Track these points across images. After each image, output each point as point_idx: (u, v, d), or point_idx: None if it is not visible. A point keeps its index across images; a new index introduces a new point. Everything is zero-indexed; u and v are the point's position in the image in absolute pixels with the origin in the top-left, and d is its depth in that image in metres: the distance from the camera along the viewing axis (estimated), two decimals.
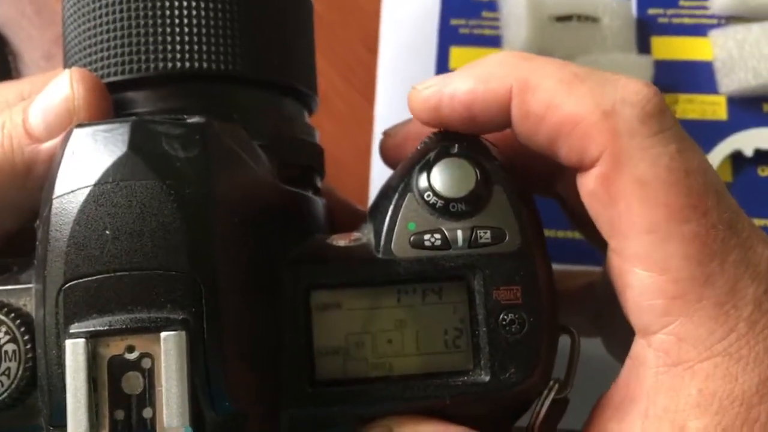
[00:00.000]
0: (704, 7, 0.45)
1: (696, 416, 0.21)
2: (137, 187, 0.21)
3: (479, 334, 0.23)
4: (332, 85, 0.47)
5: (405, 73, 0.46)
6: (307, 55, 0.29)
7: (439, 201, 0.24)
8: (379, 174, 0.44)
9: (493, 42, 0.46)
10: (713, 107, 0.43)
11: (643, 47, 0.44)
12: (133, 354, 0.20)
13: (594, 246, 0.31)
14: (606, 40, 0.43)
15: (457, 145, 0.24)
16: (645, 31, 0.44)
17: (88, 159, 0.21)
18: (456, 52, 0.46)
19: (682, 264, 0.22)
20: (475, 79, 0.24)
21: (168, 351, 0.20)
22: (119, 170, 0.21)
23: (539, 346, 0.24)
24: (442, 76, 0.25)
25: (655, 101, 0.23)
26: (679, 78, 0.43)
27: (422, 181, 0.24)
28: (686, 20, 0.45)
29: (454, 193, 0.24)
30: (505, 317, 0.23)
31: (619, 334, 0.30)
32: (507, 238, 0.24)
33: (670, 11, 0.45)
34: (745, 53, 0.42)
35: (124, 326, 0.20)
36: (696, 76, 0.43)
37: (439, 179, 0.24)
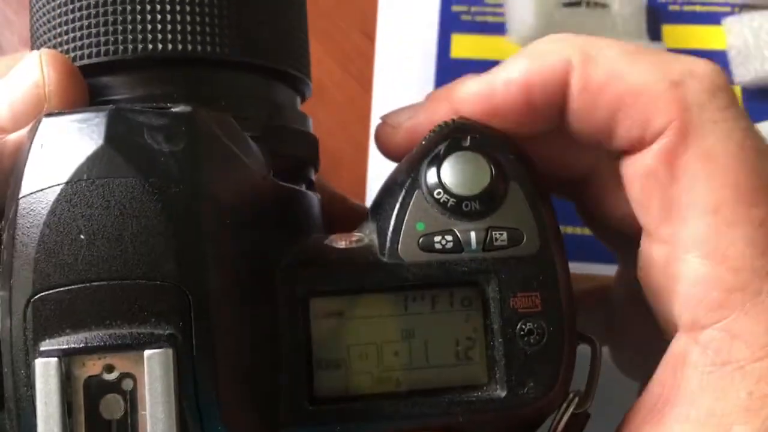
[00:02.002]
0: None
1: (744, 421, 0.20)
2: (115, 186, 0.19)
3: (494, 345, 0.21)
4: (329, 73, 0.45)
5: (404, 62, 0.44)
6: (300, 37, 0.26)
7: (451, 199, 0.22)
8: (378, 167, 0.42)
9: (497, 29, 0.44)
10: None
11: (654, 36, 0.42)
12: (112, 374, 0.18)
13: (611, 247, 0.29)
14: (616, 27, 0.41)
15: (469, 137, 0.22)
16: (656, 18, 0.43)
17: (60, 153, 0.19)
18: (457, 40, 0.44)
19: (744, 252, 0.20)
20: (529, 59, 0.23)
21: (152, 371, 0.18)
22: (95, 166, 0.19)
23: (560, 357, 0.22)
24: (488, 72, 0.23)
25: (723, 77, 0.22)
26: None
27: (431, 177, 0.22)
28: (698, 8, 0.43)
29: (467, 191, 0.22)
30: (523, 327, 0.21)
31: (630, 344, 0.28)
32: (525, 240, 0.22)
33: None
34: (761, 41, 0.40)
35: (101, 343, 0.18)
36: None
37: (450, 175, 0.22)
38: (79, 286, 0.18)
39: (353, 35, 0.45)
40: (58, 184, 0.19)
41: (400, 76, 0.44)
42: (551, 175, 0.25)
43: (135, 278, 0.18)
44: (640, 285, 0.23)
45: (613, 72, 0.22)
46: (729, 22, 0.42)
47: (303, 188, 0.25)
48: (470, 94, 0.23)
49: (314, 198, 0.26)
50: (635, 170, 0.22)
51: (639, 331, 0.24)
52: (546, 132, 0.24)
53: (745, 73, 0.40)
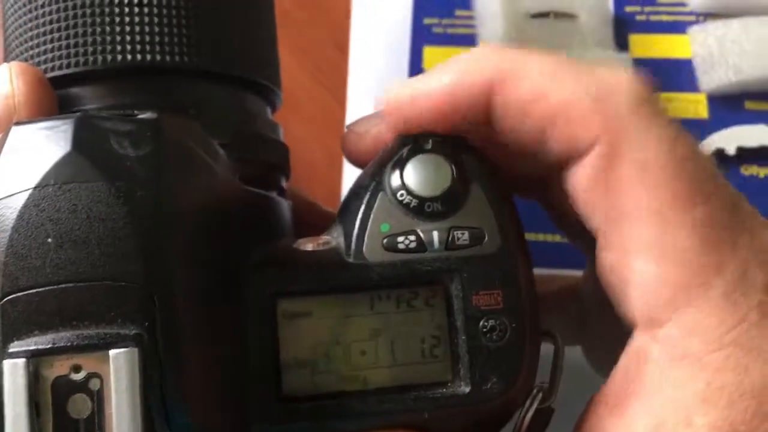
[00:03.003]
0: (683, 4, 0.44)
1: (704, 412, 0.20)
2: (82, 190, 0.19)
3: (458, 342, 0.22)
4: (301, 85, 0.45)
5: (377, 74, 0.44)
6: (269, 48, 0.27)
7: (414, 200, 0.22)
8: (351, 178, 0.42)
9: (468, 41, 0.45)
10: (694, 106, 0.42)
11: (621, 45, 0.43)
12: (79, 374, 0.18)
13: (579, 248, 0.30)
14: (583, 37, 0.42)
15: (431, 141, 0.23)
16: (623, 28, 0.43)
17: (28, 160, 0.19)
18: (429, 52, 0.44)
19: (689, 251, 0.21)
20: (452, 74, 0.23)
21: (118, 370, 0.18)
22: (62, 171, 0.19)
23: (522, 353, 0.22)
24: (415, 78, 0.24)
25: (645, 87, 0.22)
26: (658, 76, 0.42)
27: (395, 180, 0.23)
28: (664, 17, 0.44)
29: (430, 192, 0.22)
30: (486, 324, 0.22)
31: (601, 341, 0.29)
32: (486, 239, 0.22)
33: (648, 8, 0.44)
34: (726, 50, 0.41)
35: (69, 344, 0.18)
36: (675, 75, 0.42)
37: (413, 177, 0.23)
38: (47, 288, 0.18)
39: (326, 48, 0.46)
40: (27, 190, 0.19)
41: (373, 88, 0.44)
42: (515, 175, 0.25)
43: (101, 280, 0.19)
44: (605, 289, 0.24)
45: (536, 90, 0.22)
46: (694, 31, 0.42)
47: (274, 195, 0.26)
48: (394, 101, 0.24)
49: (284, 204, 0.26)
50: (575, 181, 0.23)
51: (608, 329, 0.24)
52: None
53: (709, 80, 0.41)
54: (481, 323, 0.22)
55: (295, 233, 0.26)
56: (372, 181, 0.23)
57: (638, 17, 0.44)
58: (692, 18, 0.43)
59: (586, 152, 0.22)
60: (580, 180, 0.22)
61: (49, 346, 0.18)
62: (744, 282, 0.21)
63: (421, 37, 0.45)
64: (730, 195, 0.22)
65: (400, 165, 0.23)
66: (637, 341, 0.22)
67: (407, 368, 0.22)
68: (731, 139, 0.40)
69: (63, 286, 0.19)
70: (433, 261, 0.22)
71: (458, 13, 0.45)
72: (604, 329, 0.24)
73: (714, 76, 0.41)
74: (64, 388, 0.18)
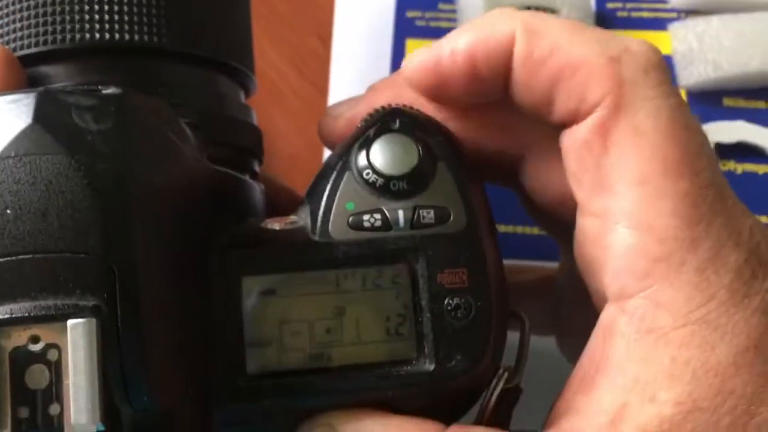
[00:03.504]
0: (663, 1, 0.44)
1: (667, 386, 0.20)
2: (42, 162, 0.19)
3: (423, 320, 0.22)
4: (284, 77, 0.45)
5: (359, 65, 0.44)
6: (242, 31, 0.27)
7: (379, 179, 0.22)
8: None
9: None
10: None
11: None
12: (37, 345, 0.18)
13: (552, 236, 0.30)
14: None
15: (398, 120, 0.23)
16: (604, 24, 0.44)
17: None
18: (412, 45, 0.45)
19: (669, 223, 0.21)
20: (475, 30, 0.24)
21: (75, 341, 0.18)
22: (22, 143, 0.19)
23: (487, 332, 0.22)
24: (435, 42, 0.24)
25: (658, 56, 0.22)
26: None
27: (361, 159, 0.23)
28: (645, 14, 0.44)
29: (395, 171, 0.22)
30: (450, 302, 0.22)
31: (574, 332, 0.29)
32: (452, 218, 0.22)
33: (630, 5, 0.44)
34: (705, 46, 0.41)
35: (26, 314, 0.18)
36: None
37: (379, 156, 0.23)
38: (5, 259, 0.18)
39: (309, 39, 0.46)
40: None
41: (356, 79, 0.44)
42: (490, 156, 0.26)
43: (60, 251, 0.19)
44: (578, 267, 0.24)
45: (555, 45, 0.22)
46: (675, 27, 0.43)
47: (245, 177, 0.26)
48: (417, 65, 0.24)
49: (255, 186, 0.26)
50: (572, 142, 0.23)
51: (582, 319, 0.24)
52: (490, 105, 0.25)
53: (689, 76, 0.41)
54: (446, 301, 0.22)
55: (268, 216, 0.26)
56: (339, 161, 0.23)
57: (619, 13, 0.44)
58: (673, 15, 0.44)
59: (590, 111, 0.22)
60: (579, 139, 0.22)
61: (6, 316, 0.18)
62: (716, 261, 0.21)
63: (404, 29, 0.45)
64: (718, 176, 0.22)
65: (367, 144, 0.23)
66: (607, 314, 0.22)
67: (372, 346, 0.22)
68: (709, 134, 0.40)
69: (21, 257, 0.19)
70: (398, 239, 0.22)
71: (441, 6, 0.46)
72: (578, 320, 0.24)
73: (693, 72, 0.41)
74: (22, 359, 0.18)
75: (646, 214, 0.21)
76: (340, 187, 0.23)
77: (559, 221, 0.26)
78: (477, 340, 0.22)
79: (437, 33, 0.45)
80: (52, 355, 0.18)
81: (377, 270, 0.22)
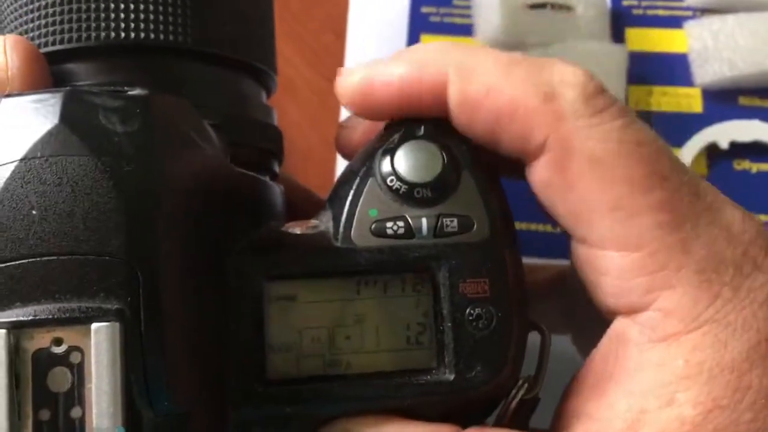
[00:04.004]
0: None
1: (685, 388, 0.20)
2: (69, 163, 0.19)
3: (444, 329, 0.22)
4: (298, 72, 0.45)
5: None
6: (266, 31, 0.27)
7: (403, 186, 0.22)
8: (345, 164, 0.43)
9: (465, 30, 0.44)
10: (688, 100, 0.42)
11: (618, 38, 0.43)
12: (60, 347, 0.18)
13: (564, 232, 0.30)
14: (580, 29, 0.42)
15: (423, 127, 0.23)
16: (619, 21, 0.44)
17: (15, 132, 0.19)
18: (426, 40, 0.44)
19: (655, 235, 0.21)
20: (409, 65, 0.23)
21: (99, 344, 0.18)
22: (49, 144, 0.19)
23: (507, 343, 0.22)
24: (372, 62, 0.24)
25: (594, 82, 0.22)
26: (654, 70, 0.42)
27: (385, 165, 0.22)
28: (660, 12, 0.44)
29: (420, 178, 0.22)
30: (472, 312, 0.22)
31: (588, 329, 0.29)
32: (475, 227, 0.22)
33: (645, 2, 0.44)
34: (720, 44, 0.41)
35: (50, 316, 0.18)
36: (670, 69, 0.42)
37: (403, 163, 0.22)
38: (30, 260, 0.18)
39: (323, 35, 0.45)
40: (13, 162, 0.19)
41: None
42: (499, 157, 0.25)
43: (85, 253, 0.18)
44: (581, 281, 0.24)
45: (489, 86, 0.22)
46: (690, 25, 0.43)
47: (266, 179, 0.26)
48: (350, 88, 0.24)
49: (276, 188, 0.26)
50: (534, 181, 0.23)
51: (596, 317, 0.24)
52: None
53: (704, 74, 0.41)
54: (467, 311, 0.22)
55: (287, 218, 0.26)
56: (362, 167, 0.23)
57: (635, 11, 0.44)
58: (688, 13, 0.44)
59: (538, 152, 0.22)
60: (537, 180, 0.22)
61: (30, 318, 0.18)
62: (713, 259, 0.21)
63: (419, 25, 0.45)
64: (688, 176, 0.22)
65: (392, 150, 0.23)
66: (618, 325, 0.22)
67: (392, 354, 0.22)
68: (724, 133, 0.41)
69: (46, 258, 0.18)
70: (421, 248, 0.22)
71: (456, 2, 0.45)
72: (592, 317, 0.24)
73: (709, 71, 0.41)
74: (45, 361, 0.18)
75: (628, 235, 0.21)
76: (364, 194, 0.22)
77: None
78: (498, 351, 0.22)
79: (452, 29, 0.44)
80: (75, 357, 0.18)
81: (399, 278, 0.22)
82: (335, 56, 0.45)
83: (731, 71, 0.40)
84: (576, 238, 0.23)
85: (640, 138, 0.22)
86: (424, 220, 0.22)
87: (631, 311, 0.22)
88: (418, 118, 0.23)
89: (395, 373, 0.22)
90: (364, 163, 0.23)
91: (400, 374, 0.22)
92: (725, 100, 0.42)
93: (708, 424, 0.20)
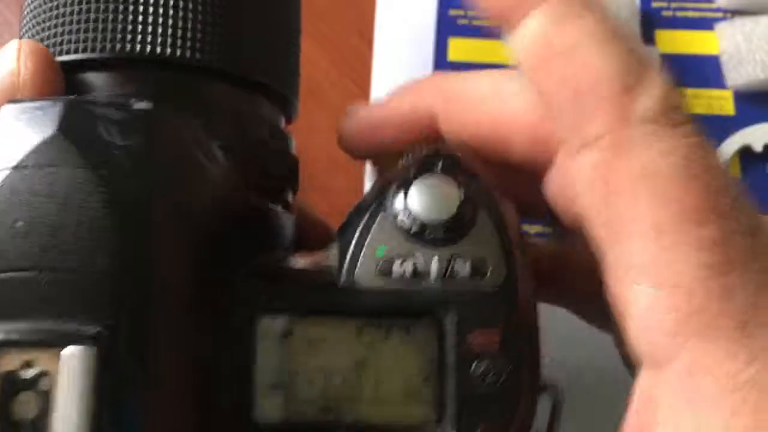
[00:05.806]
0: (710, 0, 0.43)
1: None
2: (62, 175, 0.18)
3: (447, 382, 0.20)
4: (326, 75, 0.44)
5: (402, 64, 0.44)
6: (290, 55, 0.26)
7: (415, 224, 0.21)
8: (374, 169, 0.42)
9: (493, 33, 0.43)
10: (720, 102, 0.41)
11: (648, 40, 0.43)
12: (30, 371, 0.17)
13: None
14: None
15: (441, 162, 0.21)
16: (649, 24, 0.43)
17: (11, 138, 0.18)
18: (454, 43, 0.44)
19: (696, 275, 0.18)
20: (400, 103, 0.25)
21: (69, 370, 0.17)
22: (43, 153, 0.18)
23: (516, 401, 0.20)
24: (369, 106, 0.26)
25: (679, 96, 0.20)
26: (685, 72, 0.42)
27: (398, 201, 0.21)
28: (691, 14, 0.43)
29: (433, 217, 0.21)
30: (479, 365, 0.20)
31: (588, 302, 0.26)
32: (489, 273, 0.21)
33: (675, 4, 0.43)
34: (753, 46, 0.40)
35: (20, 338, 0.17)
36: (702, 71, 0.42)
37: (417, 199, 0.21)
38: (9, 275, 0.17)
39: (350, 37, 0.45)
40: (4, 170, 0.18)
41: (398, 78, 0.43)
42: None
43: (68, 271, 0.17)
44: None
45: (580, 48, 0.21)
46: (721, 27, 0.42)
47: (278, 208, 0.24)
48: (355, 128, 0.25)
49: (286, 217, 0.25)
50: (568, 178, 0.21)
51: (597, 290, 0.22)
52: None
53: (737, 77, 0.40)
54: (474, 364, 0.20)
55: (298, 250, 0.24)
56: (374, 200, 0.21)
57: (664, 13, 0.43)
58: (719, 14, 0.43)
59: (589, 144, 0.20)
60: (575, 178, 0.21)
61: (0, 337, 0.17)
62: (758, 310, 0.18)
63: (447, 28, 0.44)
64: (750, 217, 0.19)
65: (406, 185, 0.21)
66: (644, 381, 0.20)
67: (390, 406, 0.20)
68: (758, 136, 0.40)
69: (26, 273, 0.17)
70: (429, 292, 0.20)
71: None
72: (593, 291, 0.22)
73: (741, 73, 0.40)
74: (12, 385, 0.17)
75: (667, 266, 0.19)
76: (372, 229, 0.21)
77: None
78: (504, 410, 0.20)
79: (480, 32, 0.44)
80: (45, 383, 0.17)
81: (403, 323, 0.21)
82: (362, 59, 0.44)
83: (764, 73, 0.40)
84: (606, 263, 0.20)
85: (709, 164, 0.20)
86: (434, 262, 0.21)
87: (656, 363, 0.19)
88: (436, 151, 0.22)
89: (392, 427, 0.20)
90: (376, 196, 0.21)
91: (397, 428, 0.20)
92: (758, 102, 0.41)
93: None
